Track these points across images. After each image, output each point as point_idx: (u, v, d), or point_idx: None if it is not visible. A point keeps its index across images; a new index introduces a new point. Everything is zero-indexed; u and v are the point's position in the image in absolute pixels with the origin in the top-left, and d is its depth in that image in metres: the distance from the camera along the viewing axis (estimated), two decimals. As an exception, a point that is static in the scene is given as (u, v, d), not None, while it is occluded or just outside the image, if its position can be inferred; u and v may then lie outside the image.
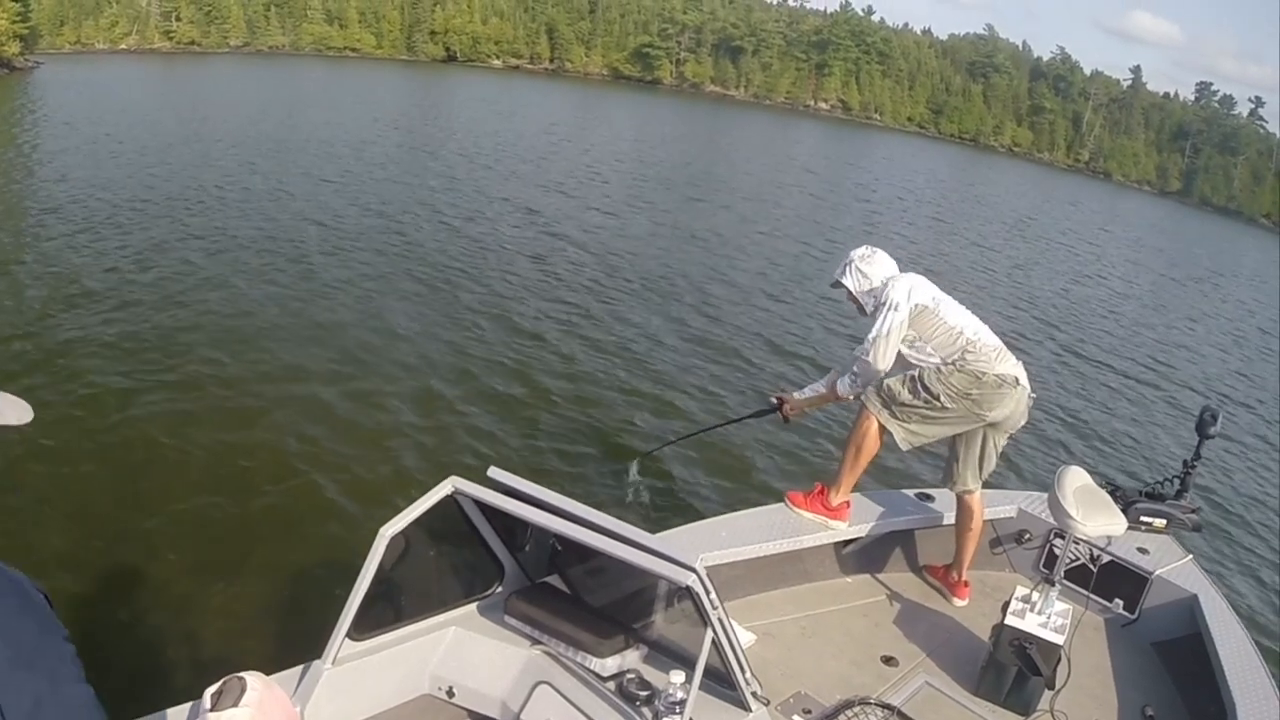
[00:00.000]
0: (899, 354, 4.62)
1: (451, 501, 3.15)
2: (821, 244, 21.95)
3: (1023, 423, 4.68)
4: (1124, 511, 4.41)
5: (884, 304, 4.59)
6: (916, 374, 4.56)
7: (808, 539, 4.68)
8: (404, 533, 2.99)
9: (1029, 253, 28.65)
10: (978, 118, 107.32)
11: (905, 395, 4.55)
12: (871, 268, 4.77)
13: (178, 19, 72.79)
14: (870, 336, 4.65)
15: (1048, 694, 4.02)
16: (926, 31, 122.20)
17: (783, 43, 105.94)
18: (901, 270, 4.82)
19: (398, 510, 3.00)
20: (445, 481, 3.10)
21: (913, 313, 4.54)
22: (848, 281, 4.83)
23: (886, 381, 4.65)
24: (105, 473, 6.94)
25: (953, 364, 4.49)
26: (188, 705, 2.31)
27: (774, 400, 5.67)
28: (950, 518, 5.04)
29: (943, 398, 4.47)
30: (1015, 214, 40.87)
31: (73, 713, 1.40)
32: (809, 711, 3.83)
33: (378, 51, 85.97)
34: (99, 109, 29.58)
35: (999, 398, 4.47)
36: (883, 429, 4.67)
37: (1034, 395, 4.65)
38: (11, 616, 1.37)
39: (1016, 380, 4.49)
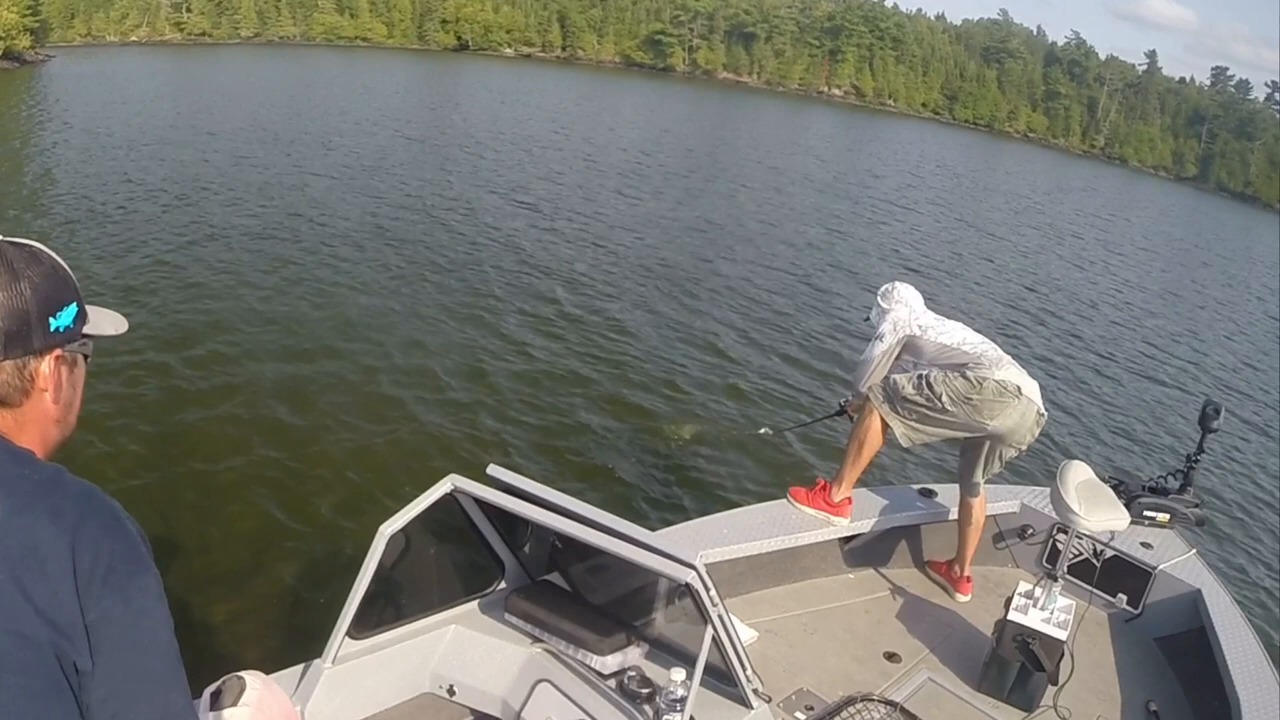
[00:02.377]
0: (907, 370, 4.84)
1: (451, 499, 3.14)
2: (825, 236, 21.91)
3: (1030, 439, 4.67)
4: (1127, 506, 4.39)
5: (875, 335, 4.88)
6: (925, 373, 4.65)
7: (810, 535, 4.69)
8: (403, 531, 2.98)
9: (1035, 240, 28.53)
10: (992, 103, 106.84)
11: (909, 390, 4.64)
12: (887, 301, 4.98)
13: (188, 10, 72.97)
14: (858, 360, 5.04)
15: (1051, 689, 4.03)
16: (940, 17, 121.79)
17: (795, 29, 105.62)
18: (926, 292, 5.14)
19: (397, 509, 2.99)
20: (444, 479, 3.08)
21: (902, 342, 4.76)
22: (873, 317, 5.06)
23: (893, 377, 4.76)
24: (101, 473, 6.84)
25: (956, 371, 4.57)
26: None
27: (841, 403, 5.82)
28: (952, 513, 5.06)
29: (944, 398, 4.52)
30: (1025, 201, 40.68)
31: (140, 639, 1.41)
32: (811, 708, 3.84)
33: (389, 41, 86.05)
34: (110, 102, 29.64)
35: (1000, 406, 4.48)
36: (885, 425, 4.74)
37: (1045, 413, 4.63)
38: (101, 535, 1.40)
39: (1019, 390, 4.49)
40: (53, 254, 1.53)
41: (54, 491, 1.42)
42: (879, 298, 5.03)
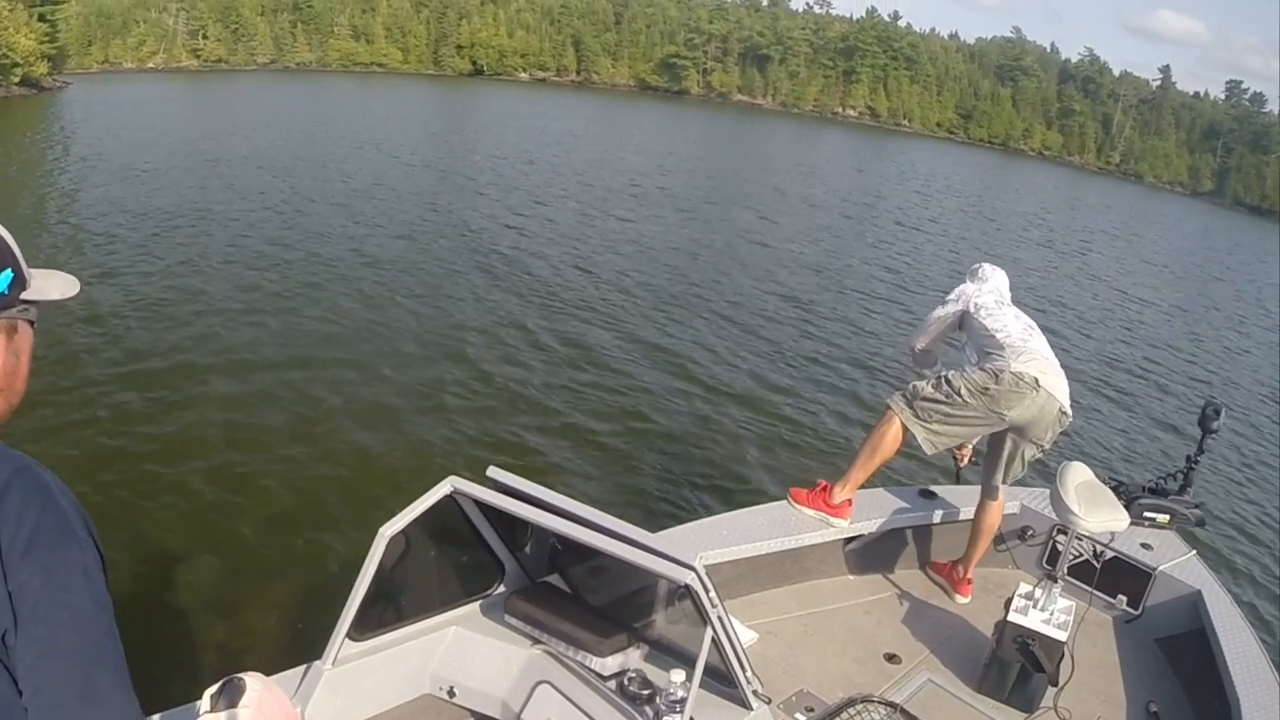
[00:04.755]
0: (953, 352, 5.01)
1: (451, 501, 3.15)
2: (828, 258, 21.91)
3: (1050, 436, 4.60)
4: (1127, 507, 4.37)
5: (942, 301, 5.09)
6: (943, 374, 4.66)
7: (809, 536, 4.67)
8: (404, 532, 2.99)
9: (1048, 257, 28.45)
10: (1007, 122, 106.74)
11: (928, 391, 4.60)
12: (970, 277, 5.18)
13: (205, 37, 73.74)
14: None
15: (1051, 691, 4.02)
16: (953, 36, 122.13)
17: (809, 50, 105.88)
18: (1016, 289, 5.32)
19: (397, 510, 3.01)
20: (444, 481, 3.09)
21: (959, 312, 4.92)
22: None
23: (913, 383, 4.73)
24: (99, 474, 6.96)
25: (978, 361, 4.62)
26: (187, 707, 2.34)
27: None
28: (951, 515, 5.08)
29: (963, 392, 4.48)
30: (1039, 219, 40.52)
31: (58, 613, 1.35)
32: (811, 709, 3.84)
33: (404, 67, 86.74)
34: (123, 129, 29.93)
35: (1016, 397, 4.43)
36: (905, 430, 4.68)
37: (1069, 412, 4.57)
38: (24, 507, 1.37)
39: (1036, 382, 4.44)
40: None
41: None
42: (967, 275, 5.20)
